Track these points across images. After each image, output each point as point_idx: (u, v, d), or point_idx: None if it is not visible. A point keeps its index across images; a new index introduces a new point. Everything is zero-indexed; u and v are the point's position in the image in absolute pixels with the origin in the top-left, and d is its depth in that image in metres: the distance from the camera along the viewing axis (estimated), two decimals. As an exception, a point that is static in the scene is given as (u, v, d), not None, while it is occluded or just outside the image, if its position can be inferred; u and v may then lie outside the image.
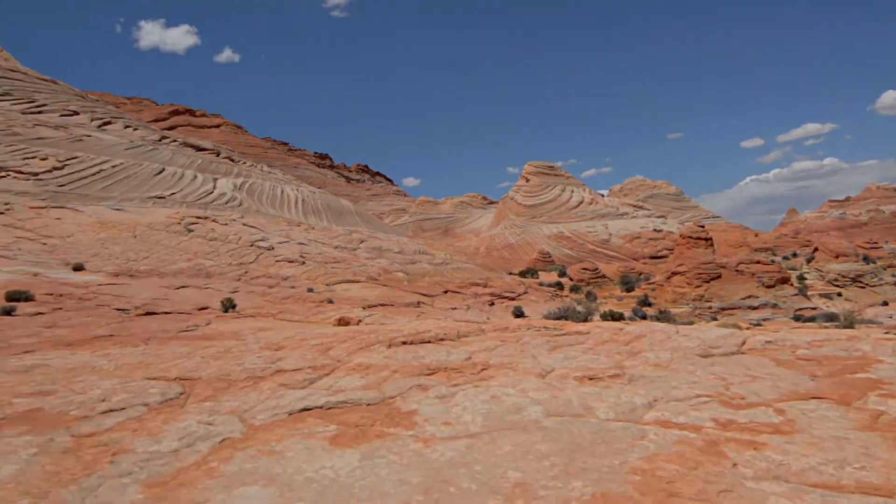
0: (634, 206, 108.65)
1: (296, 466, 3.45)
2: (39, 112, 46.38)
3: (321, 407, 4.61)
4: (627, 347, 6.70)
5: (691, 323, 22.45)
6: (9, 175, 33.89)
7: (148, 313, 17.34)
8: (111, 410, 4.51)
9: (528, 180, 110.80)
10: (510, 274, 60.66)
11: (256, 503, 3.00)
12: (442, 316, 26.38)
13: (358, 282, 32.92)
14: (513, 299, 39.35)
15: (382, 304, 28.34)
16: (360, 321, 17.81)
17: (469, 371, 5.60)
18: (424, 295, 33.63)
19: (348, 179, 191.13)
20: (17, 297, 15.01)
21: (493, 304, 37.15)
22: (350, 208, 61.88)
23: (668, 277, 48.01)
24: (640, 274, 69.72)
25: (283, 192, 54.05)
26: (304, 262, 34.11)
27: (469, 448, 3.68)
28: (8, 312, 14.05)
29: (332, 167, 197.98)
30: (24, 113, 44.69)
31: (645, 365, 5.78)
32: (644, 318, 30.48)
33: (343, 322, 17.33)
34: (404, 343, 7.38)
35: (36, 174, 35.41)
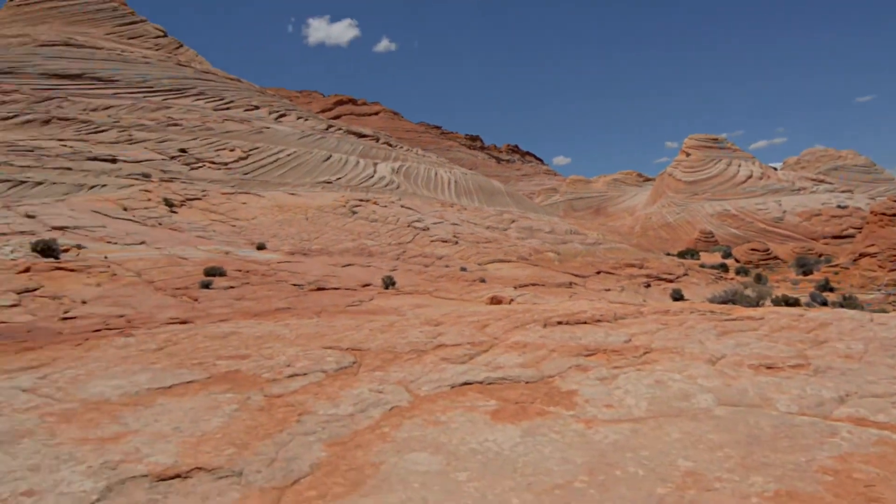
0: (814, 179, 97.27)
1: (460, 437, 3.59)
2: (227, 108, 52.04)
3: (481, 382, 4.74)
4: (810, 335, 6.07)
5: (884, 311, 19.76)
6: (205, 165, 38.54)
7: (319, 289, 18.90)
8: (295, 375, 5.00)
9: (688, 154, 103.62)
10: (668, 255, 57.50)
11: (425, 468, 3.17)
12: (595, 297, 25.74)
13: (509, 261, 33.15)
14: (671, 281, 37.31)
15: (534, 284, 28.28)
16: (511, 300, 17.95)
17: (630, 354, 5.42)
18: (576, 275, 33.03)
19: (498, 160, 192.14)
20: (213, 272, 17.08)
21: (649, 286, 35.52)
22: (501, 189, 62.28)
23: (855, 259, 42.57)
24: (820, 255, 62.56)
25: (436, 174, 55.75)
26: (457, 242, 35.04)
27: (634, 433, 3.57)
28: (206, 286, 16.06)
29: (482, 148, 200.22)
30: (215, 110, 50.42)
31: (833, 356, 5.20)
32: (825, 304, 27.34)
33: (495, 301, 17.58)
34: (560, 323, 7.32)
35: (226, 164, 39.90)
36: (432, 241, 34.77)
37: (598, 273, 35.32)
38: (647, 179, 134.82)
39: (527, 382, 4.72)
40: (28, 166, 29.31)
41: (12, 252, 17.08)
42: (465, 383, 4.70)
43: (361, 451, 3.45)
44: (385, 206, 40.31)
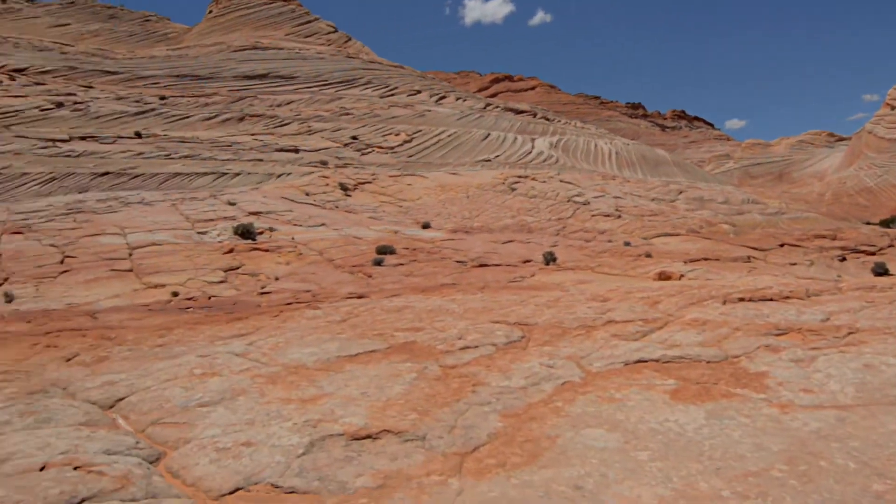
0: None
1: (638, 416, 3.48)
2: (392, 95, 54.63)
3: (657, 360, 4.54)
4: None
5: None
6: (373, 150, 40.95)
7: (481, 265, 19.29)
8: (467, 347, 5.17)
9: (893, 108, 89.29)
10: (867, 224, 50.38)
11: (602, 444, 3.12)
12: (779, 272, 23.39)
13: (677, 235, 31.24)
14: (872, 254, 32.67)
15: (706, 259, 26.38)
16: (682, 276, 16.92)
17: (831, 334, 4.85)
18: (755, 249, 30.22)
19: (663, 128, 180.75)
20: (384, 250, 18.18)
21: (843, 259, 31.45)
22: (666, 158, 58.65)
23: None
24: None
25: (596, 146, 53.95)
26: (619, 216, 33.73)
27: (841, 421, 3.21)
28: (378, 263, 17.14)
29: (645, 116, 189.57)
30: (381, 97, 53.20)
31: None
32: None
33: (664, 276, 16.68)
34: (742, 300, 6.76)
35: (392, 148, 42.04)
36: (593, 215, 33.81)
37: (782, 246, 32.01)
38: (840, 139, 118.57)
39: (708, 362, 4.43)
40: (228, 159, 33.24)
41: (219, 235, 19.54)
42: (640, 361, 4.54)
43: (536, 423, 3.48)
44: (544, 182, 39.90)
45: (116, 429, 3.74)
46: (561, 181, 41.01)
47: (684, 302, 6.85)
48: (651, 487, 2.66)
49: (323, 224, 22.99)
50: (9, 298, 12.43)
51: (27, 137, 29.93)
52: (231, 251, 17.91)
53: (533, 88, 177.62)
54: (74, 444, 3.30)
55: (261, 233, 20.16)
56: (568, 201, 36.18)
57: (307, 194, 29.89)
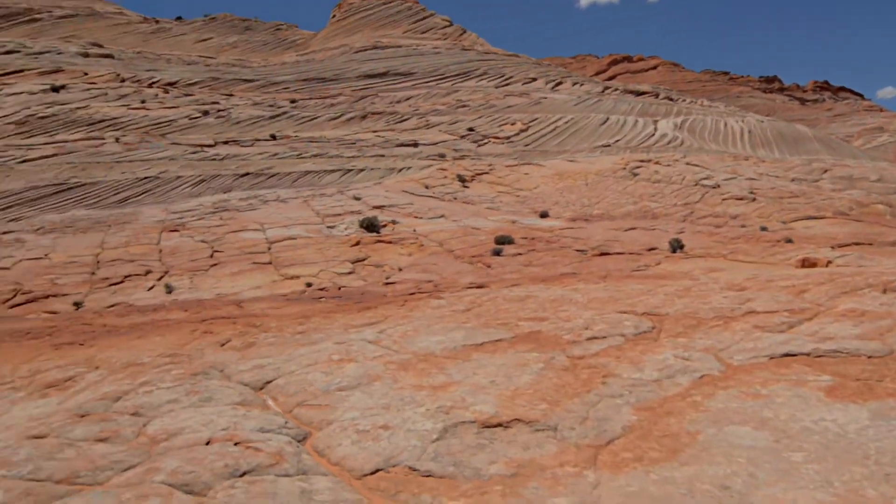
0: None
1: (788, 414, 3.23)
2: (507, 84, 54.46)
3: (807, 354, 4.18)
4: None
5: None
6: (489, 141, 41.09)
7: (602, 254, 18.77)
8: (594, 338, 5.06)
9: None
10: None
11: (750, 443, 2.93)
12: (950, 258, 20.61)
13: (822, 218, 28.53)
14: None
15: (857, 243, 23.87)
16: (829, 263, 15.44)
17: None
18: (920, 232, 26.83)
19: (802, 101, 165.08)
20: (502, 240, 18.22)
21: None
22: (807, 134, 53.61)
23: None
24: None
25: (726, 125, 50.44)
26: (754, 199, 31.36)
27: None
28: (497, 253, 17.21)
29: (781, 90, 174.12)
30: (496, 87, 53.21)
31: None
32: None
33: (808, 263, 15.30)
34: (907, 289, 6.04)
35: (508, 138, 41.95)
36: (724, 199, 31.70)
37: (954, 228, 28.16)
38: None
39: (869, 357, 4.02)
40: (353, 156, 34.85)
41: (346, 229, 20.57)
42: (787, 354, 4.20)
43: (673, 418, 3.34)
44: (668, 165, 37.96)
45: (267, 409, 4.06)
46: (687, 164, 38.82)
47: (836, 291, 6.25)
48: (809, 491, 2.46)
49: (442, 216, 23.44)
50: (169, 289, 13.91)
51: (179, 144, 33.19)
52: (357, 244, 18.79)
53: (654, 68, 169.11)
54: (233, 421, 3.63)
55: (384, 226, 20.95)
56: (695, 185, 34.18)
57: (426, 187, 30.60)
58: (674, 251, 18.06)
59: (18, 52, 44.71)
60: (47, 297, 14.19)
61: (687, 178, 35.33)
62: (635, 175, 35.89)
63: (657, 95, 59.41)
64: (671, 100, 58.03)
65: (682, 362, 4.25)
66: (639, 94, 58.88)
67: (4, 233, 21.14)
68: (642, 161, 38.61)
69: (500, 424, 3.39)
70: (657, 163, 38.44)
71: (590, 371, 4.25)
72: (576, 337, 5.14)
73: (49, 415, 4.10)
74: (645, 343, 4.86)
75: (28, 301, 13.88)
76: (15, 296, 14.20)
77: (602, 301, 7.03)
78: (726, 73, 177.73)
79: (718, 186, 33.80)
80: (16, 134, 32.06)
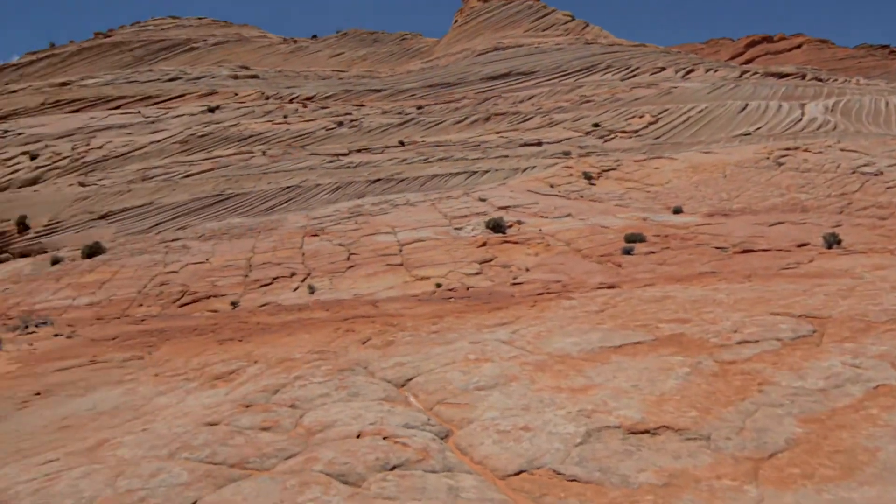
0: None
1: None
2: (634, 76, 52.36)
3: None
4: None
5: None
6: (616, 136, 39.74)
7: (745, 251, 17.46)
8: (745, 342, 4.72)
9: None
10: None
11: (944, 464, 2.59)
12: None
13: None
14: None
15: None
16: None
17: None
18: None
19: None
20: (633, 238, 17.53)
21: None
22: None
23: None
24: None
25: (887, 104, 44.93)
26: (929, 187, 27.63)
27: None
28: (628, 252, 16.60)
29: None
30: (622, 80, 51.37)
31: None
32: None
33: None
34: None
35: (636, 131, 40.32)
36: (889, 187, 28.23)
37: None
38: None
39: None
40: (478, 158, 35.24)
41: (472, 230, 20.83)
42: None
43: (846, 432, 3.03)
44: (819, 153, 34.50)
45: (409, 405, 4.21)
46: (842, 150, 35.03)
47: None
48: None
49: (568, 214, 23.02)
50: (311, 290, 14.88)
51: (318, 154, 35.43)
52: (484, 244, 18.95)
53: (799, 47, 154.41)
54: (380, 416, 3.81)
55: (510, 226, 20.96)
56: (852, 173, 30.76)
57: (551, 186, 30.21)
58: (829, 247, 16.40)
59: (181, 78, 50.12)
60: (209, 297, 15.73)
61: (842, 165, 31.92)
62: (780, 164, 32.99)
63: (803, 76, 54.23)
64: (820, 80, 52.71)
65: (853, 370, 3.85)
66: (782, 76, 54.07)
67: (173, 240, 23.76)
68: (788, 149, 35.41)
69: (646, 431, 3.26)
70: (806, 150, 35.08)
71: (743, 378, 3.97)
72: (724, 340, 4.83)
73: (219, 404, 4.54)
74: (805, 348, 4.45)
75: (194, 301, 15.48)
76: (183, 296, 15.90)
77: (750, 302, 6.55)
78: (886, 47, 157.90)
79: (881, 174, 30.19)
80: (180, 152, 35.93)
